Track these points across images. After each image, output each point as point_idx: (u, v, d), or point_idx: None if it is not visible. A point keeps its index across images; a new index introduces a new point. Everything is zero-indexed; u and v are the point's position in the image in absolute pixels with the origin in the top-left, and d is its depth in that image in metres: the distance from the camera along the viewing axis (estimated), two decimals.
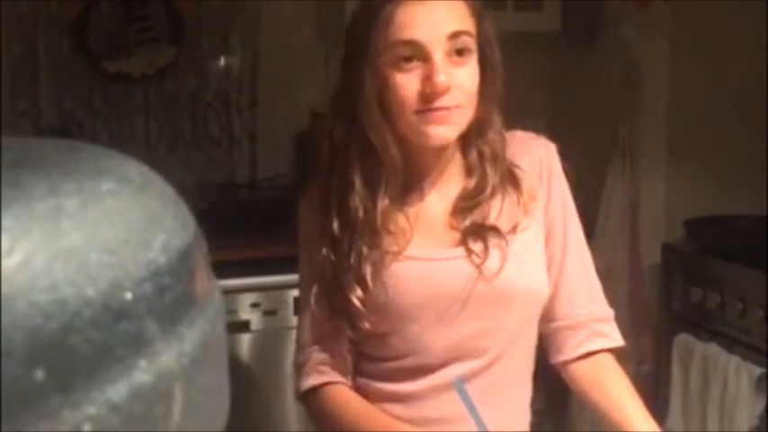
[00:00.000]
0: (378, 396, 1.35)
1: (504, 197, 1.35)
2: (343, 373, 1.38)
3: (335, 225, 1.31)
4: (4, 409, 0.26)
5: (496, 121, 1.35)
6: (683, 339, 2.76)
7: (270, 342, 2.58)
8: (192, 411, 0.32)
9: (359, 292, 1.29)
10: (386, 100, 1.28)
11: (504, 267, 1.29)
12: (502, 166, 1.35)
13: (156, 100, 2.93)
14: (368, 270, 1.29)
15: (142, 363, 0.30)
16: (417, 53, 1.24)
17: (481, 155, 1.35)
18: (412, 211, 1.35)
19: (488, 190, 1.34)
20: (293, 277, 2.60)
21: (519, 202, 1.35)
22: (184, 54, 2.94)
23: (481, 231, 1.32)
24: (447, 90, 1.24)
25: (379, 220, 1.30)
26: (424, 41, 1.23)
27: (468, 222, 1.33)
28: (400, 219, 1.33)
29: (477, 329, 1.31)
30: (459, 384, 1.28)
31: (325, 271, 1.33)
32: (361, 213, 1.30)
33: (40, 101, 2.79)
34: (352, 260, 1.30)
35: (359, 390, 1.38)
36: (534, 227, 1.36)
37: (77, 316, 0.28)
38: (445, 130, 1.27)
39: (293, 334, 2.62)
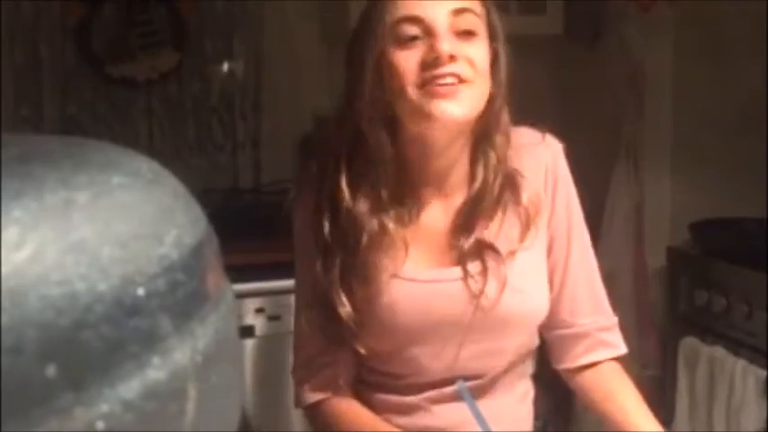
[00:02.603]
0: (381, 405, 1.32)
1: (506, 208, 1.27)
2: (342, 384, 1.34)
3: (327, 234, 1.23)
4: (14, 406, 0.25)
5: (504, 122, 1.26)
6: (689, 343, 2.75)
7: (274, 347, 2.57)
8: (206, 410, 0.31)
9: (349, 309, 1.22)
10: (387, 85, 1.19)
11: (504, 293, 1.24)
12: (504, 173, 1.27)
13: (159, 104, 2.93)
14: (359, 288, 1.22)
15: (155, 360, 0.29)
16: (421, 31, 1.17)
17: (486, 160, 1.26)
18: (409, 222, 1.26)
19: (491, 201, 1.25)
20: None
21: (520, 214, 1.27)
22: (188, 59, 2.93)
23: (481, 252, 1.25)
24: (452, 58, 1.15)
25: (372, 233, 1.21)
26: (427, 16, 1.16)
27: (468, 240, 1.25)
28: (396, 231, 1.24)
29: (475, 352, 1.27)
30: (463, 388, 1.26)
31: (318, 285, 1.25)
32: (352, 223, 1.21)
33: (44, 106, 2.78)
34: (341, 276, 1.22)
35: (362, 398, 1.34)
36: (537, 241, 1.29)
37: (89, 311, 0.27)
38: (452, 106, 1.16)
39: None
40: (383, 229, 1.23)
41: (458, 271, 1.26)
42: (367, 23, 1.21)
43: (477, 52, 1.19)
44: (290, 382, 2.57)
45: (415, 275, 1.25)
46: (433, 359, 1.26)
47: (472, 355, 1.27)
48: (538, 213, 1.28)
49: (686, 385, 2.76)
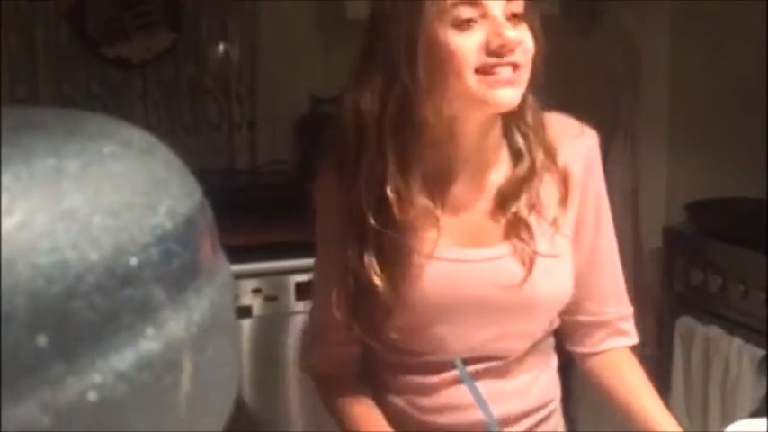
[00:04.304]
0: (402, 386, 1.33)
1: (544, 182, 1.27)
2: (353, 361, 1.36)
3: (362, 213, 1.22)
4: (5, 375, 0.25)
5: (532, 100, 1.25)
6: (685, 322, 2.76)
7: (271, 327, 2.57)
8: (202, 383, 0.31)
9: (386, 285, 1.22)
10: (441, 68, 1.16)
11: (533, 275, 1.24)
12: (543, 146, 1.26)
13: (155, 86, 2.91)
14: (392, 266, 1.22)
15: (149, 330, 0.29)
16: (478, 14, 1.14)
17: (525, 135, 1.26)
18: (445, 202, 1.26)
19: (535, 176, 1.25)
20: (294, 262, 2.61)
21: (558, 194, 1.27)
22: (183, 39, 2.92)
23: (515, 232, 1.25)
24: (518, 44, 1.14)
25: (411, 212, 1.21)
26: (486, 0, 1.14)
27: (502, 221, 1.25)
28: (433, 210, 1.24)
29: (499, 333, 1.28)
30: (461, 369, 1.26)
31: (351, 263, 1.24)
32: (394, 201, 1.21)
33: (39, 86, 2.77)
34: (376, 253, 1.22)
35: (383, 379, 1.35)
36: (567, 225, 1.29)
37: (80, 280, 0.27)
38: (512, 93, 1.15)
39: (295, 319, 2.63)
40: (418, 208, 1.23)
41: (490, 251, 1.26)
42: (412, 2, 1.17)
43: (527, 36, 1.17)
44: (288, 361, 2.58)
45: (447, 254, 1.25)
46: (457, 338, 1.27)
47: (496, 336, 1.28)
48: (570, 196, 1.29)
49: (682, 364, 2.77)
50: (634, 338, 1.40)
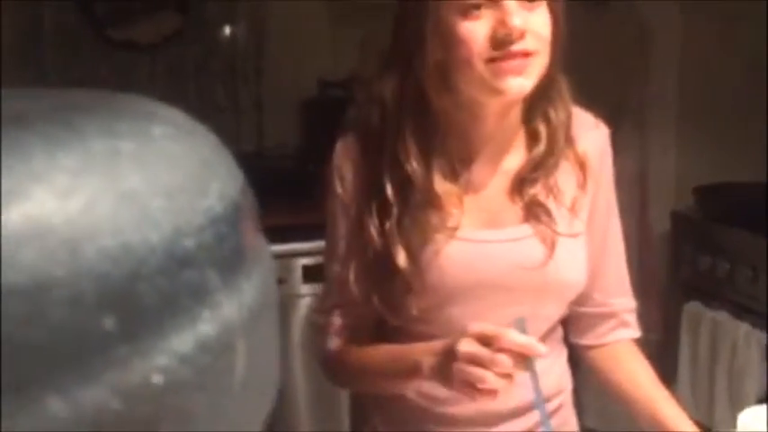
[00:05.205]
0: None
1: (562, 167, 1.27)
2: (365, 336, 1.34)
3: (384, 192, 1.23)
4: (75, 357, 0.24)
5: (562, 83, 1.25)
6: (692, 307, 2.76)
7: (279, 309, 2.57)
8: (253, 366, 0.31)
9: (407, 262, 1.22)
10: (450, 55, 1.16)
11: (553, 257, 1.24)
12: (566, 130, 1.26)
13: (162, 68, 2.90)
14: (412, 245, 1.22)
15: (206, 313, 0.28)
16: (486, 0, 1.13)
17: (547, 120, 1.25)
18: (465, 183, 1.27)
19: (553, 160, 1.25)
20: (302, 245, 2.61)
21: (576, 180, 1.28)
22: (190, 22, 2.91)
23: (536, 214, 1.25)
24: (523, 34, 1.12)
25: (432, 192, 1.22)
26: None
27: (524, 201, 1.26)
28: (453, 191, 1.25)
29: (516, 316, 1.29)
30: (521, 322, 1.22)
31: (371, 240, 1.24)
32: (416, 182, 1.22)
33: (47, 69, 2.76)
34: (398, 232, 1.22)
35: None
36: (583, 211, 1.30)
37: (143, 263, 0.26)
38: (521, 81, 1.15)
39: (302, 302, 2.64)
40: (439, 189, 1.23)
41: (508, 232, 1.26)
42: None
43: (542, 21, 1.15)
44: (294, 343, 2.59)
45: (466, 235, 1.25)
46: (472, 321, 1.25)
47: (511, 321, 1.27)
48: (588, 183, 1.30)
49: (689, 350, 2.77)
50: (638, 331, 1.40)
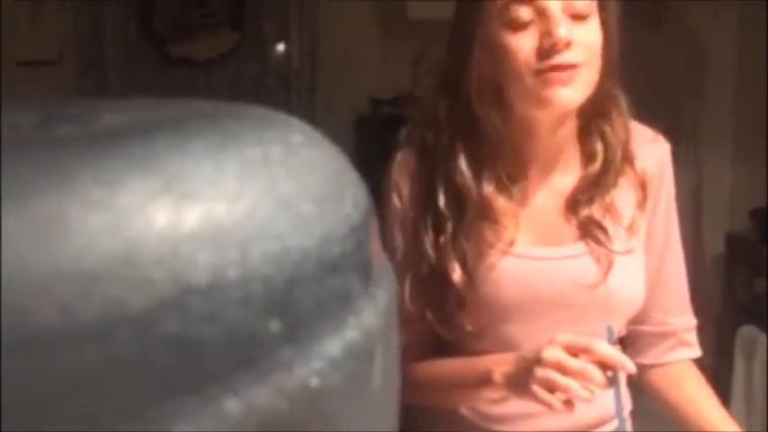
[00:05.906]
0: None
1: (620, 184, 1.26)
2: (428, 354, 1.34)
3: (440, 208, 1.23)
4: (245, 358, 0.25)
5: (620, 99, 1.24)
6: (747, 331, 2.72)
7: None
8: (388, 373, 0.31)
9: (462, 276, 1.21)
10: (499, 68, 1.17)
11: (610, 275, 1.22)
12: (624, 147, 1.25)
13: (218, 84, 2.95)
14: (472, 258, 1.21)
15: (351, 319, 0.29)
16: (533, 13, 1.14)
17: (604, 137, 1.24)
18: (519, 200, 1.26)
19: (610, 179, 1.24)
20: None
21: (635, 199, 1.26)
22: (246, 39, 2.95)
23: (592, 232, 1.24)
24: (568, 45, 1.12)
25: (486, 205, 1.22)
26: None
27: (577, 220, 1.24)
28: (508, 206, 1.24)
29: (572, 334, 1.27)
30: (610, 331, 1.21)
31: (425, 255, 1.24)
32: (469, 196, 1.21)
33: (108, 79, 2.82)
34: (453, 247, 1.22)
35: None
36: (641, 230, 1.28)
37: (299, 268, 0.27)
38: (569, 92, 1.14)
39: None
40: (493, 205, 1.23)
41: (564, 250, 1.25)
42: (472, 2, 1.19)
43: (591, 34, 1.15)
44: None
45: (521, 251, 1.24)
46: (526, 338, 1.24)
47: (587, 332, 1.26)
48: (647, 200, 1.28)
49: (743, 375, 2.73)
50: (698, 351, 1.37)
